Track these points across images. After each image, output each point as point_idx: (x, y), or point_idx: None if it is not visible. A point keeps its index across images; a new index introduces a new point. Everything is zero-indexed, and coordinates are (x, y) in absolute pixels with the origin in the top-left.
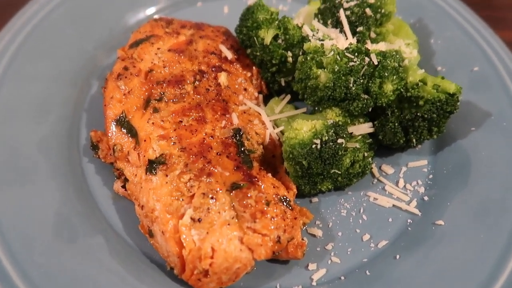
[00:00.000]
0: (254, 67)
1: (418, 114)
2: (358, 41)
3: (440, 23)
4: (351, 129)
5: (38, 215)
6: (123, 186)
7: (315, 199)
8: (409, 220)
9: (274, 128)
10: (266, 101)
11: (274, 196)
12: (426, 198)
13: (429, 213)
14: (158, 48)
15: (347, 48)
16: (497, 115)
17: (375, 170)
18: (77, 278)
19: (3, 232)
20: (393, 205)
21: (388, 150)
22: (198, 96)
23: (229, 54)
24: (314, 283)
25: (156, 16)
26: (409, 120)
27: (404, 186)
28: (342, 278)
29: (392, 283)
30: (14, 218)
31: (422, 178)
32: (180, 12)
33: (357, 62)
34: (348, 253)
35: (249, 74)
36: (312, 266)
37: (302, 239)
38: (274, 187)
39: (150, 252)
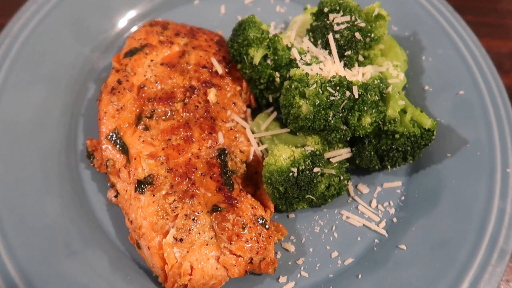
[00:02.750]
0: (244, 81)
1: (393, 146)
2: (345, 65)
3: (434, 39)
4: (329, 154)
5: (38, 221)
6: (116, 196)
7: (292, 215)
8: (376, 240)
9: (258, 145)
10: (254, 114)
11: (251, 217)
12: (395, 219)
13: (394, 236)
14: (152, 60)
15: (329, 81)
16: (473, 144)
17: (351, 188)
18: (72, 284)
19: (9, 242)
20: (363, 225)
21: (366, 170)
22: (187, 114)
23: (219, 69)
24: None
25: (151, 17)
26: (385, 150)
27: (377, 206)
28: None
29: None
30: (18, 227)
31: (394, 199)
32: (176, 10)
33: (338, 97)
34: (317, 268)
35: (238, 88)
36: (282, 279)
37: (276, 254)
38: (252, 207)
39: (139, 259)
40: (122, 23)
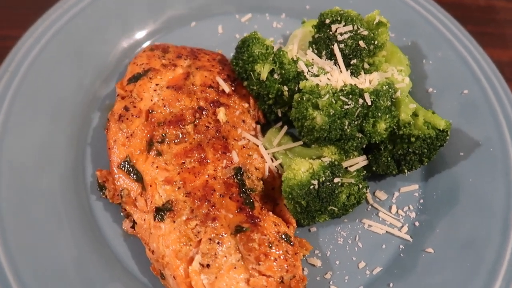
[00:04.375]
0: (251, 98)
1: (410, 149)
2: (352, 73)
3: (432, 43)
4: (346, 164)
5: (53, 261)
6: (132, 227)
7: (313, 229)
8: (401, 246)
9: (272, 161)
10: (263, 129)
11: (276, 234)
12: (417, 223)
13: (419, 240)
14: (157, 84)
15: (341, 90)
16: (485, 141)
17: (369, 196)
18: None
19: (26, 285)
20: (386, 232)
21: (381, 175)
22: (199, 135)
23: (226, 88)
24: None
25: (149, 42)
26: (401, 155)
27: (397, 211)
28: None
29: None
30: (34, 269)
31: (414, 203)
32: (174, 33)
33: (352, 105)
34: (346, 281)
35: (246, 105)
36: None
37: (303, 270)
38: (275, 225)
39: None
40: (121, 50)
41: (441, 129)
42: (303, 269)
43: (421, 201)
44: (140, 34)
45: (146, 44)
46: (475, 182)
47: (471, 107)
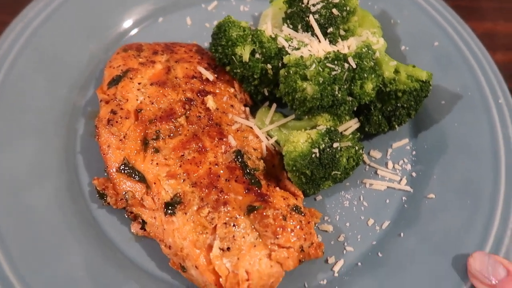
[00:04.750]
0: (235, 82)
1: (398, 104)
2: (330, 42)
3: (396, 3)
4: (341, 128)
5: (66, 276)
6: (142, 228)
7: (319, 197)
8: (403, 198)
9: (268, 140)
10: (252, 111)
11: (286, 207)
12: (414, 174)
13: (419, 188)
14: (139, 83)
15: (326, 58)
16: (462, 86)
17: (365, 157)
18: None
19: None
20: (387, 187)
21: (372, 135)
22: (192, 126)
23: (209, 76)
24: (336, 274)
25: (119, 44)
26: (391, 111)
27: (393, 166)
28: (359, 264)
29: (401, 261)
30: (48, 283)
31: (407, 156)
32: (143, 32)
33: (339, 70)
34: (359, 240)
35: (232, 90)
36: (331, 260)
37: (317, 237)
38: (284, 199)
39: (183, 282)
40: (91, 55)
41: (424, 80)
42: (317, 237)
43: (414, 153)
44: (108, 37)
45: (117, 46)
46: (460, 126)
47: (444, 58)
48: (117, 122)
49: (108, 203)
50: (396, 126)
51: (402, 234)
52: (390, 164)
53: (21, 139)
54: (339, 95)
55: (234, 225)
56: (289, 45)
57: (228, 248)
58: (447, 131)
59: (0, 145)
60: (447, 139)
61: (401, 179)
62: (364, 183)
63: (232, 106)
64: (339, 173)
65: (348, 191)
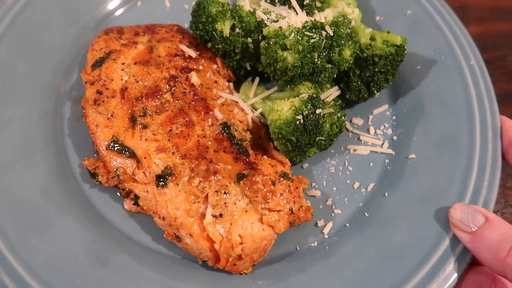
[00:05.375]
0: (217, 59)
1: (376, 69)
2: (307, 14)
3: None
4: (323, 96)
5: (66, 252)
6: (135, 203)
7: (305, 165)
8: (386, 161)
9: (253, 112)
10: (236, 86)
11: (274, 174)
12: (395, 137)
13: (401, 150)
14: (123, 63)
15: (304, 27)
16: (435, 51)
17: (347, 124)
18: None
19: (40, 276)
20: (370, 151)
21: (353, 103)
22: (178, 101)
23: (192, 53)
24: (326, 236)
25: (98, 29)
26: (369, 77)
27: (375, 132)
28: (347, 225)
29: (387, 219)
30: (46, 259)
31: (388, 121)
32: (122, 16)
33: (317, 38)
34: (346, 202)
35: (215, 67)
36: (320, 223)
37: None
38: (272, 166)
39: (179, 253)
40: (71, 39)
41: (399, 45)
42: (306, 201)
43: (394, 117)
44: (87, 21)
45: (97, 29)
46: (436, 89)
47: (416, 25)
48: (103, 101)
49: (100, 182)
50: (375, 91)
51: (386, 194)
52: (372, 130)
53: (7, 127)
54: (319, 62)
55: (225, 193)
56: (268, 18)
57: (221, 215)
58: (424, 94)
59: None
60: (424, 102)
61: (383, 143)
62: (348, 149)
63: (216, 82)
64: (323, 139)
65: (333, 157)
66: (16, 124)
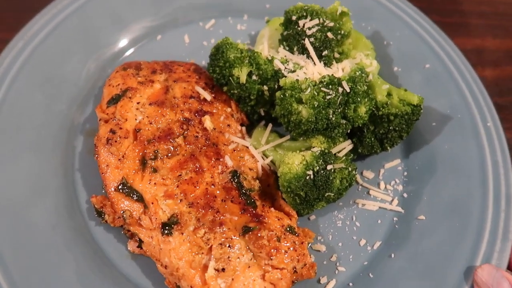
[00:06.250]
0: (232, 102)
1: (390, 127)
2: (325, 64)
3: (388, 24)
4: (335, 150)
5: None
6: (138, 246)
7: (312, 217)
8: (395, 218)
9: (264, 159)
10: (248, 130)
11: (280, 228)
12: (405, 195)
13: (410, 209)
14: (138, 102)
15: (321, 82)
16: (452, 108)
17: (358, 177)
18: None
19: None
20: (379, 207)
21: (365, 156)
22: (190, 146)
23: (207, 96)
24: None
25: (116, 61)
26: (383, 134)
27: (385, 187)
28: (351, 284)
29: (392, 281)
30: None
31: (399, 176)
32: (142, 49)
33: (333, 95)
34: (351, 260)
35: (229, 110)
36: (323, 280)
37: (310, 256)
38: (278, 219)
39: None
40: (90, 72)
41: (415, 104)
42: (310, 256)
43: (405, 173)
44: (107, 53)
45: (116, 64)
46: (450, 148)
47: (434, 80)
48: (116, 141)
49: (106, 221)
50: (388, 147)
51: (393, 255)
52: (382, 185)
53: (20, 156)
54: (333, 119)
55: (229, 246)
56: (285, 68)
57: (223, 269)
58: (437, 153)
59: None
60: (437, 160)
61: (392, 200)
62: (357, 203)
63: (229, 125)
64: (333, 194)
65: (341, 211)
66: (28, 154)
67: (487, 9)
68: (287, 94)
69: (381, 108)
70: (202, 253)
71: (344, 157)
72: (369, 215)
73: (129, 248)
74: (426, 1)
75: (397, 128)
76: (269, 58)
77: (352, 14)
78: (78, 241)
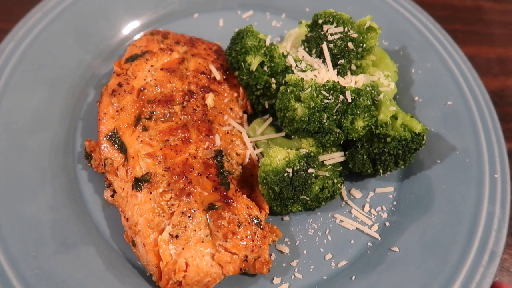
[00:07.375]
0: (241, 88)
1: (385, 149)
2: (338, 73)
3: (422, 53)
4: (323, 157)
5: (33, 219)
6: (112, 196)
7: (286, 218)
8: (369, 243)
9: (254, 149)
10: (250, 120)
11: (246, 216)
12: (387, 223)
13: (387, 239)
14: (152, 66)
15: (323, 85)
16: (462, 151)
17: (344, 193)
18: (66, 281)
19: (3, 236)
20: (357, 228)
21: (359, 175)
22: (186, 116)
23: (217, 75)
24: None
25: (152, 28)
26: (377, 154)
27: (369, 210)
28: None
29: None
30: (12, 221)
31: (387, 204)
32: (176, 23)
33: (332, 100)
34: (311, 270)
35: (235, 94)
36: (276, 280)
37: (270, 255)
38: (247, 207)
39: (133, 258)
40: (124, 32)
41: (417, 133)
42: (270, 254)
43: (395, 203)
44: (145, 19)
45: (149, 29)
46: (448, 189)
47: (452, 118)
48: (119, 94)
49: (91, 165)
50: (381, 171)
51: (354, 277)
52: (367, 207)
53: (34, 88)
54: (326, 124)
55: (190, 216)
56: (296, 66)
57: (177, 236)
58: (433, 192)
59: (14, 88)
60: (431, 198)
61: (373, 225)
62: (335, 217)
63: (231, 109)
64: (309, 199)
65: (317, 220)
66: (43, 89)
67: (511, 19)
68: (288, 90)
69: (379, 127)
70: (163, 216)
71: (330, 167)
72: (343, 233)
73: (104, 196)
74: (450, 10)
75: (392, 152)
76: (285, 54)
77: (389, 35)
78: (61, 177)
